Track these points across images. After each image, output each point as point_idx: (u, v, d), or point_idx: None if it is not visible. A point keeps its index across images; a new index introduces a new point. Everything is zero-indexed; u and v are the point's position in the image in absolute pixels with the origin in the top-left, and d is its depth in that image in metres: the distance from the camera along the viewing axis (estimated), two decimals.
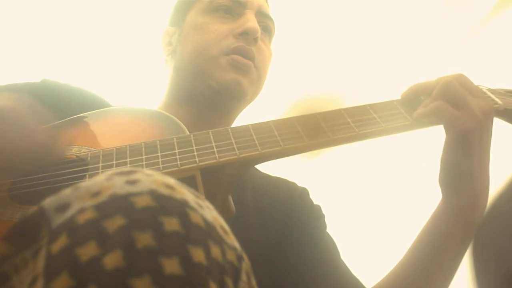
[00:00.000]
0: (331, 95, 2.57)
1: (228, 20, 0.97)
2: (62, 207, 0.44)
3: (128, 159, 0.69)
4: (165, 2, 1.15)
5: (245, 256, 0.48)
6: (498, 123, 0.85)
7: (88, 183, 0.46)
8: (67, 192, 0.46)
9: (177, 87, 1.01)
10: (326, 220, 1.00)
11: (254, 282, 0.49)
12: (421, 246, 0.85)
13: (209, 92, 0.95)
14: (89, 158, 0.70)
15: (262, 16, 1.00)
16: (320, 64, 2.50)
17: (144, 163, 0.68)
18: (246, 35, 0.95)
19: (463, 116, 0.78)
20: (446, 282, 0.85)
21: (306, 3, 2.23)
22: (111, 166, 0.68)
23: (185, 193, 0.46)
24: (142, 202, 0.43)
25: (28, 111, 0.64)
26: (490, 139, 0.82)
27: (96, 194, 0.44)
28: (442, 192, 0.84)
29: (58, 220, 0.44)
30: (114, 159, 0.69)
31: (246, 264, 0.48)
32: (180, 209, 0.44)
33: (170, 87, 1.02)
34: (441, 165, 0.82)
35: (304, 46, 2.38)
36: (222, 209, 0.71)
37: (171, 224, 0.43)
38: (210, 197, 0.67)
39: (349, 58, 2.48)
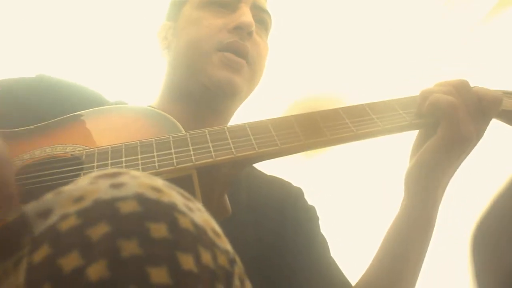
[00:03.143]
0: (331, 96, 2.56)
1: (222, 14, 0.95)
2: (44, 213, 0.42)
3: (123, 158, 0.68)
4: None
5: (238, 260, 0.46)
6: (498, 124, 0.84)
7: (71, 187, 0.44)
8: (49, 197, 0.43)
9: (172, 83, 0.99)
10: (323, 219, 1.00)
11: (248, 287, 0.47)
12: (389, 252, 0.87)
13: (201, 89, 0.93)
14: (83, 157, 0.69)
15: (258, 10, 0.98)
16: (320, 64, 2.49)
17: (140, 162, 0.67)
18: (240, 29, 0.93)
19: (471, 119, 0.77)
20: (415, 273, 0.86)
21: (306, 3, 2.23)
22: (106, 165, 0.67)
23: (174, 196, 0.44)
24: (128, 207, 0.41)
25: None
26: (463, 160, 0.81)
27: (79, 199, 0.42)
28: (408, 189, 0.83)
29: (40, 227, 0.42)
30: (109, 158, 0.68)
31: (239, 268, 0.46)
32: (168, 213, 0.42)
33: (165, 83, 1.01)
34: (417, 161, 0.80)
35: (304, 46, 2.38)
36: (218, 209, 0.71)
37: (159, 230, 0.41)
38: (207, 196, 0.66)
39: (349, 58, 2.48)
